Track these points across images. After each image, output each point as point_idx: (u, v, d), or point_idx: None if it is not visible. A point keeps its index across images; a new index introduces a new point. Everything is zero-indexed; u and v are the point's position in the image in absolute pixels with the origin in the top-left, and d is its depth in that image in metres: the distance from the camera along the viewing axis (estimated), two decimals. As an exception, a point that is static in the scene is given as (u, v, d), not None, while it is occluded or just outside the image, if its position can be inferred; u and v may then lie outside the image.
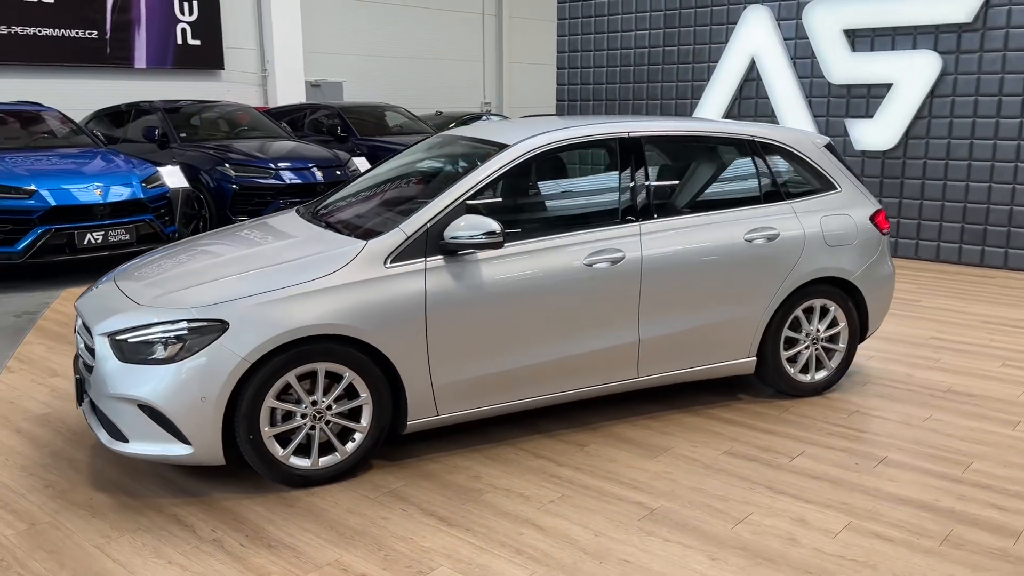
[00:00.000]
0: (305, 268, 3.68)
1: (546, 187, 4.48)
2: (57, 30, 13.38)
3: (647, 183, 4.34)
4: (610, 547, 3.20)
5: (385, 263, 3.74)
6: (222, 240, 4.34)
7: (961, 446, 4.13)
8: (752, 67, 9.86)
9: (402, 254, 3.77)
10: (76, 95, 13.55)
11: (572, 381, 4.18)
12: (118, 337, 3.54)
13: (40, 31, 13.22)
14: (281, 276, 3.64)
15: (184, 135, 10.66)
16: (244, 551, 3.18)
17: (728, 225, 4.45)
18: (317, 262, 3.71)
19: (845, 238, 4.73)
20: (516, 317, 3.94)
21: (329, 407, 3.67)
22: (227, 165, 9.75)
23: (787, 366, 4.72)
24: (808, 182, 4.81)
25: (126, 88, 14.30)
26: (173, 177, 9.64)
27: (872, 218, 4.87)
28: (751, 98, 9.97)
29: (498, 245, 3.82)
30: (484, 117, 16.03)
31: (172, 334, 3.46)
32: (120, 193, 8.25)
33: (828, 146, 4.97)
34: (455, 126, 16.08)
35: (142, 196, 8.41)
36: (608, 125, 4.39)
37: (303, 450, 3.68)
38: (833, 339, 4.84)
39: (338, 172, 10.11)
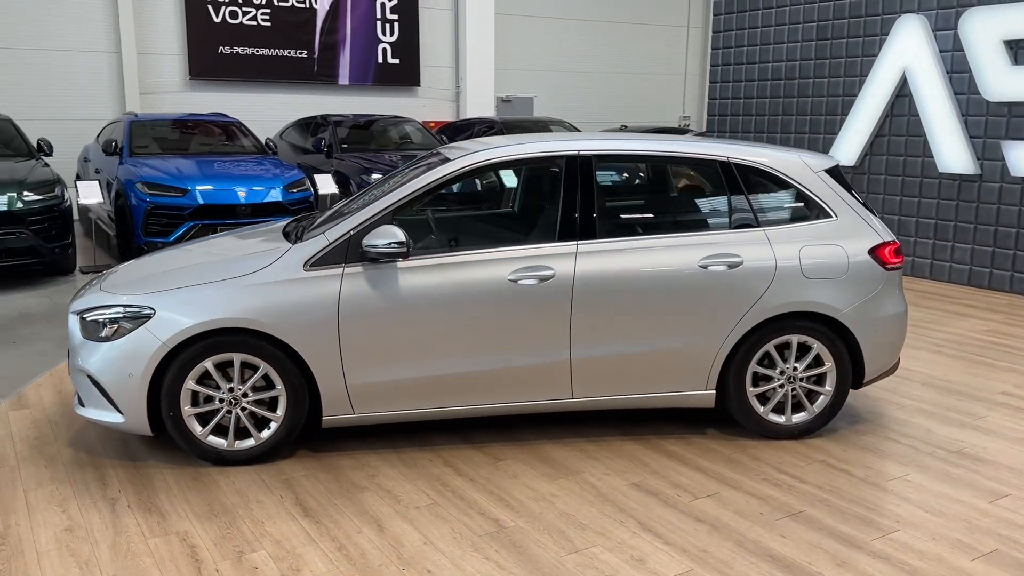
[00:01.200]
0: (233, 267, 4.06)
1: (485, 202, 4.54)
2: (272, 50, 15.12)
3: (592, 202, 4.25)
4: (426, 557, 3.25)
5: (304, 266, 4.03)
6: (209, 240, 4.84)
7: (903, 512, 3.65)
8: (905, 82, 8.99)
9: (323, 259, 4.04)
10: (286, 108, 15.22)
11: (498, 395, 4.21)
12: (82, 316, 4.13)
13: (258, 51, 15.01)
14: (210, 273, 4.05)
15: (346, 146, 11.66)
16: (126, 511, 3.61)
17: (681, 249, 4.25)
18: (246, 262, 4.08)
19: (831, 271, 4.31)
20: (434, 326, 4.06)
21: (245, 395, 4.02)
22: (372, 174, 10.54)
23: (755, 404, 4.39)
24: (794, 208, 4.45)
25: (330, 102, 15.81)
26: (325, 184, 10.64)
27: (873, 251, 4.39)
28: (902, 116, 9.09)
29: (403, 255, 3.98)
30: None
31: (112, 316, 3.99)
32: (261, 195, 9.27)
33: (831, 170, 4.55)
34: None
35: (281, 199, 9.36)
36: (559, 143, 4.36)
37: (225, 431, 4.06)
38: (820, 380, 4.43)
39: None
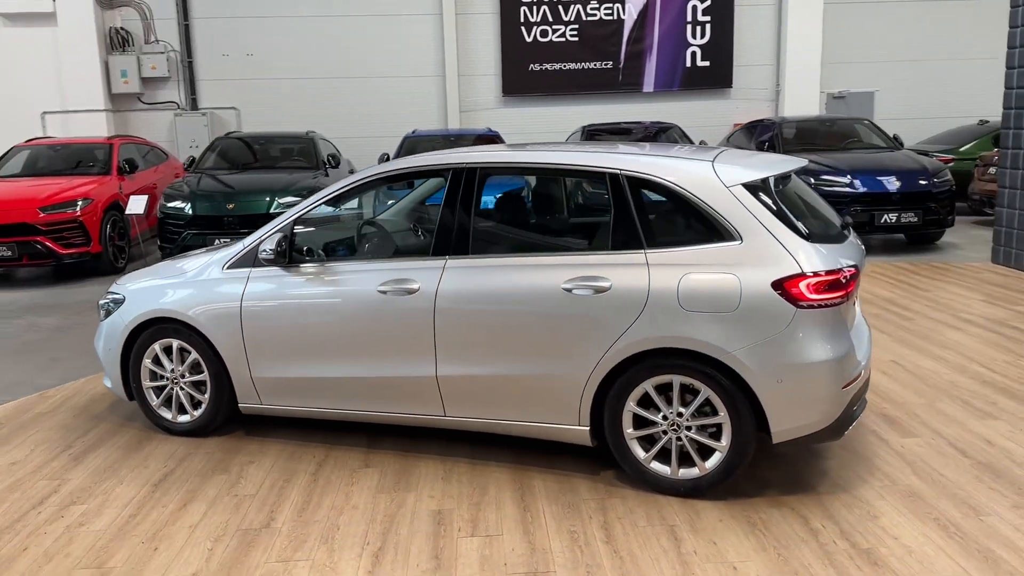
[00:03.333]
0: (184, 267, 4.75)
1: (373, 215, 4.55)
2: (578, 64, 15.79)
3: (468, 216, 4.10)
4: (171, 537, 3.58)
5: (223, 268, 4.56)
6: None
7: (662, 600, 2.99)
8: None
9: (238, 262, 4.54)
10: (590, 118, 15.76)
11: (377, 404, 4.30)
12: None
13: (565, 66, 15.79)
14: (165, 271, 4.80)
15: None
16: (61, 458, 4.50)
17: (549, 269, 3.89)
18: (193, 263, 4.75)
19: (717, 303, 3.59)
20: (315, 331, 4.31)
21: (183, 375, 4.70)
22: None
23: (636, 450, 3.84)
24: (689, 228, 3.76)
25: (634, 110, 15.99)
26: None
27: (780, 283, 3.54)
28: None
29: (276, 263, 4.31)
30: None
31: (106, 301, 4.95)
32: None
33: (753, 184, 3.74)
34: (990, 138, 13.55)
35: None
36: (450, 156, 4.28)
37: (180, 407, 4.78)
38: (717, 432, 3.71)
39: (923, 182, 10.02)
